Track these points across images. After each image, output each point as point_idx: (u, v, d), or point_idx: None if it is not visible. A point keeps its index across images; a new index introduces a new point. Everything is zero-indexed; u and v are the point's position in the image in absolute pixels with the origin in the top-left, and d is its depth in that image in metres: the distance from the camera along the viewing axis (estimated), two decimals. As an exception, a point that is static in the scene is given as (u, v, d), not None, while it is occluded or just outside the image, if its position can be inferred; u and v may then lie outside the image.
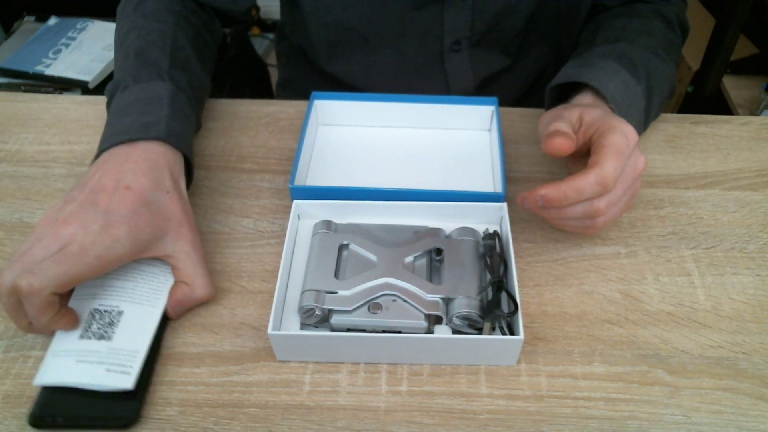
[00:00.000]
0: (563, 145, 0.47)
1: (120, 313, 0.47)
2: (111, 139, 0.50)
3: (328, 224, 0.52)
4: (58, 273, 0.42)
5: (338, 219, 0.53)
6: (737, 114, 1.36)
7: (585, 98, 0.56)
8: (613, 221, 0.51)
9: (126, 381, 0.43)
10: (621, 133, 0.47)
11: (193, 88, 0.58)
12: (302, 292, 0.47)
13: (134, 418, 0.42)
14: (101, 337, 0.45)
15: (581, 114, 0.51)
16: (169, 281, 0.49)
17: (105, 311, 0.47)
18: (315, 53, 0.76)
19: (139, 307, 0.47)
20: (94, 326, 0.46)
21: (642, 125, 0.59)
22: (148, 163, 0.48)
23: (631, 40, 0.61)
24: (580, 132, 0.50)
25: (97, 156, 0.50)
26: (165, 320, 0.48)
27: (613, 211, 0.49)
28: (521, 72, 0.77)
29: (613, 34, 0.63)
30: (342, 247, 0.50)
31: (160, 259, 0.48)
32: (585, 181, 0.45)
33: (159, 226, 0.47)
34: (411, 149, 0.63)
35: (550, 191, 0.46)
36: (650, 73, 0.59)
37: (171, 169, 0.50)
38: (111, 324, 0.46)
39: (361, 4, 0.69)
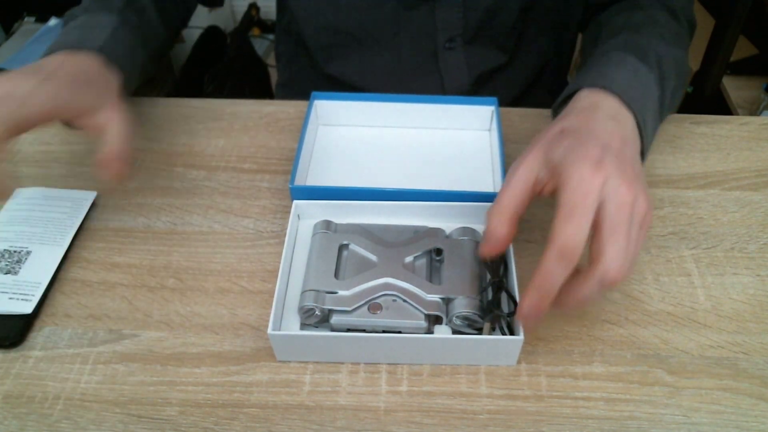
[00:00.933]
0: (494, 252, 0.43)
1: (28, 253, 0.52)
2: (49, 50, 0.55)
3: (328, 224, 0.52)
4: (3, 114, 0.46)
5: (338, 219, 0.53)
6: (737, 114, 1.36)
7: (584, 100, 0.48)
8: (633, 265, 0.40)
9: (27, 306, 0.49)
10: (576, 182, 0.39)
11: (143, 33, 0.62)
12: (302, 292, 0.47)
13: (19, 340, 0.47)
14: (8, 272, 0.51)
15: (545, 154, 0.42)
16: (75, 224, 0.55)
17: (15, 251, 0.52)
18: (311, 54, 0.76)
19: (46, 247, 0.53)
20: (3, 263, 0.51)
21: (658, 116, 0.53)
22: (86, 63, 0.53)
23: (636, 29, 0.57)
24: (550, 180, 0.42)
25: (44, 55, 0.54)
26: (67, 254, 0.54)
27: (627, 266, 0.39)
28: (520, 69, 0.77)
29: (616, 28, 0.60)
30: (342, 247, 0.50)
31: (92, 130, 0.52)
32: (546, 262, 0.39)
33: (97, 95, 0.51)
34: (411, 149, 0.63)
35: (525, 302, 0.40)
36: (661, 58, 0.54)
37: (105, 71, 0.54)
38: (19, 261, 0.51)
39: (352, 6, 0.69)
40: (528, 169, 0.42)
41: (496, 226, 0.43)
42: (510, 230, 0.43)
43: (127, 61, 0.59)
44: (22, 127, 0.47)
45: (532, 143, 0.44)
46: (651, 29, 0.58)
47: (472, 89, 0.75)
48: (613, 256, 0.38)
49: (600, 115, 0.46)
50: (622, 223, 0.38)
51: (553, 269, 0.38)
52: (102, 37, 0.56)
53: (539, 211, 0.57)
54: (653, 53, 0.54)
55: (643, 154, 0.49)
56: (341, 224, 0.52)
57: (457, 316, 0.45)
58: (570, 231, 0.38)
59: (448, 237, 0.52)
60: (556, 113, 0.55)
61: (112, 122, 0.52)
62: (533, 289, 0.39)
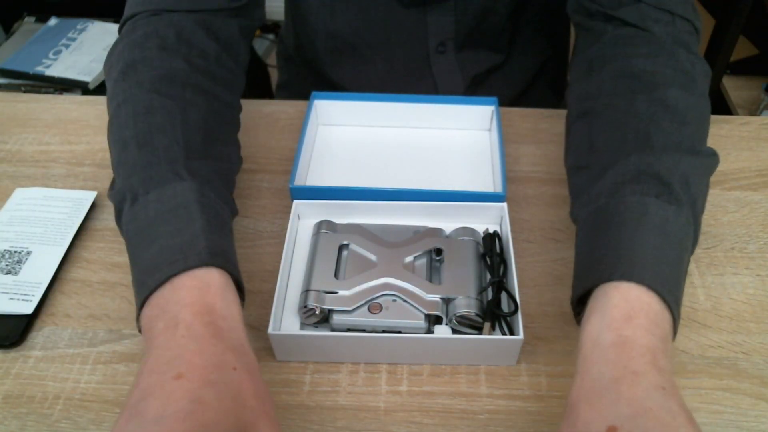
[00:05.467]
0: None
1: (29, 253, 0.52)
2: (144, 285, 0.38)
3: (328, 224, 0.52)
4: None
5: (338, 219, 0.53)
6: (737, 114, 1.36)
7: (607, 334, 0.35)
8: None
9: (27, 307, 0.49)
10: None
11: (219, 175, 0.46)
12: (302, 292, 0.47)
13: (19, 340, 0.47)
14: (8, 272, 0.51)
15: None
16: (75, 224, 0.55)
17: (15, 251, 0.52)
18: (315, 57, 0.77)
19: (46, 247, 0.53)
20: (3, 263, 0.51)
21: (687, 267, 0.41)
22: (202, 325, 0.35)
23: (645, 139, 0.43)
24: None
25: (139, 308, 0.38)
26: (67, 254, 0.53)
27: None
28: (517, 68, 0.76)
29: (616, 131, 0.45)
30: (342, 247, 0.50)
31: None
32: None
33: (232, 416, 0.32)
34: (411, 149, 0.63)
35: None
36: (687, 178, 0.41)
37: (228, 317, 0.37)
38: (19, 262, 0.52)
39: (346, 11, 0.69)
40: None
41: None
42: None
43: (232, 248, 0.43)
44: None
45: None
46: (663, 124, 0.44)
47: (468, 91, 0.75)
48: None
49: (646, 382, 0.33)
50: None
51: None
52: (197, 229, 0.39)
53: (539, 211, 0.57)
54: (677, 180, 0.41)
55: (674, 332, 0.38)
56: (341, 224, 0.52)
57: (457, 316, 0.45)
58: None
59: (448, 237, 0.52)
60: (576, 311, 0.41)
61: None
62: None
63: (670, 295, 0.37)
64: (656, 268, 0.37)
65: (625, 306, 0.36)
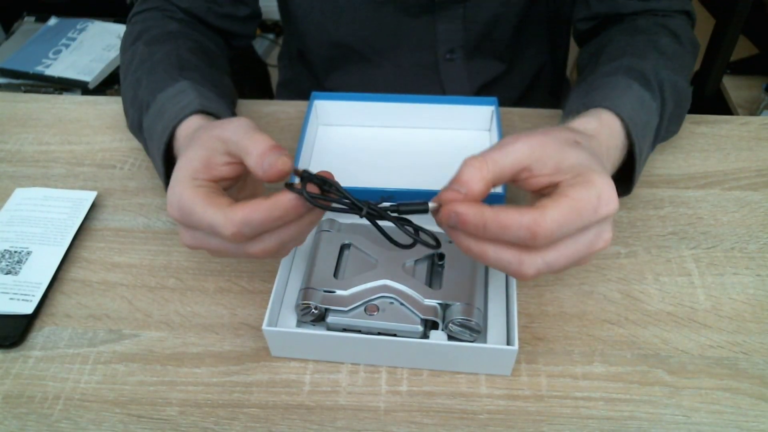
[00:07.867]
0: (453, 200, 0.38)
1: (29, 253, 0.53)
2: (159, 143, 0.49)
3: (331, 223, 0.52)
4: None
5: (342, 218, 0.53)
6: (737, 114, 1.36)
7: (589, 122, 0.47)
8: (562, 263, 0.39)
9: (27, 307, 0.49)
10: (594, 193, 0.36)
11: (212, 84, 0.56)
12: (300, 290, 0.47)
13: (19, 340, 0.47)
14: (8, 273, 0.51)
15: (555, 151, 0.39)
16: (75, 224, 0.55)
17: (15, 252, 0.53)
18: (313, 65, 0.76)
19: (46, 247, 0.53)
20: (3, 263, 0.52)
21: (652, 144, 0.53)
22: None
23: (640, 55, 0.55)
24: (546, 176, 0.39)
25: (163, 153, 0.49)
26: (67, 254, 0.54)
27: (542, 272, 0.38)
28: (517, 75, 0.77)
29: (617, 51, 0.57)
30: (344, 247, 0.50)
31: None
32: (514, 219, 0.35)
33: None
34: (411, 149, 0.63)
35: (470, 212, 0.36)
36: (662, 84, 0.53)
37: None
38: (19, 262, 0.52)
39: (354, 20, 0.69)
40: (529, 149, 0.38)
41: (473, 178, 0.38)
42: (484, 192, 0.38)
43: (222, 106, 0.54)
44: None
45: (540, 132, 0.40)
46: (655, 57, 0.56)
47: None
48: (555, 218, 0.35)
49: (606, 141, 0.46)
50: (582, 214, 0.37)
51: (512, 229, 0.35)
52: (192, 97, 0.51)
53: (539, 211, 0.57)
54: (655, 79, 0.53)
55: (632, 182, 0.51)
56: (344, 224, 0.52)
57: (453, 322, 0.45)
58: (558, 220, 0.35)
59: (450, 241, 0.51)
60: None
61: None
62: (481, 215, 0.36)
63: (634, 128, 0.49)
64: (630, 113, 0.49)
65: (605, 120, 0.48)
